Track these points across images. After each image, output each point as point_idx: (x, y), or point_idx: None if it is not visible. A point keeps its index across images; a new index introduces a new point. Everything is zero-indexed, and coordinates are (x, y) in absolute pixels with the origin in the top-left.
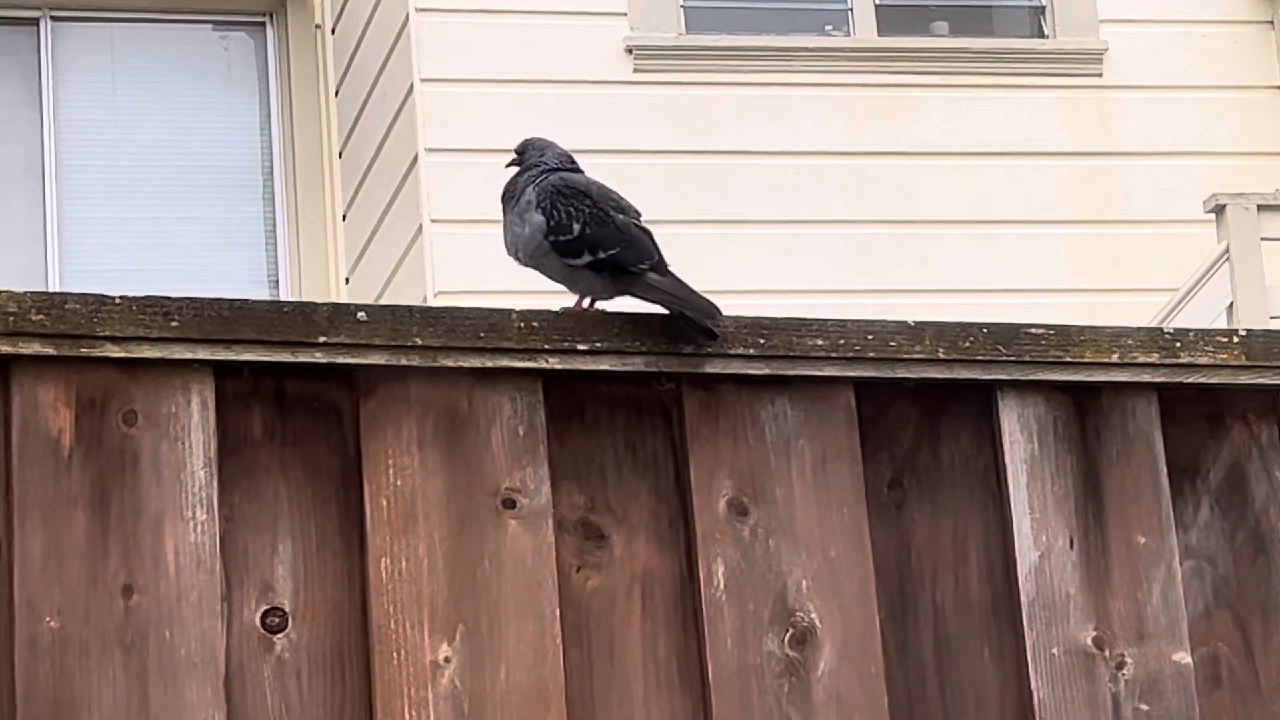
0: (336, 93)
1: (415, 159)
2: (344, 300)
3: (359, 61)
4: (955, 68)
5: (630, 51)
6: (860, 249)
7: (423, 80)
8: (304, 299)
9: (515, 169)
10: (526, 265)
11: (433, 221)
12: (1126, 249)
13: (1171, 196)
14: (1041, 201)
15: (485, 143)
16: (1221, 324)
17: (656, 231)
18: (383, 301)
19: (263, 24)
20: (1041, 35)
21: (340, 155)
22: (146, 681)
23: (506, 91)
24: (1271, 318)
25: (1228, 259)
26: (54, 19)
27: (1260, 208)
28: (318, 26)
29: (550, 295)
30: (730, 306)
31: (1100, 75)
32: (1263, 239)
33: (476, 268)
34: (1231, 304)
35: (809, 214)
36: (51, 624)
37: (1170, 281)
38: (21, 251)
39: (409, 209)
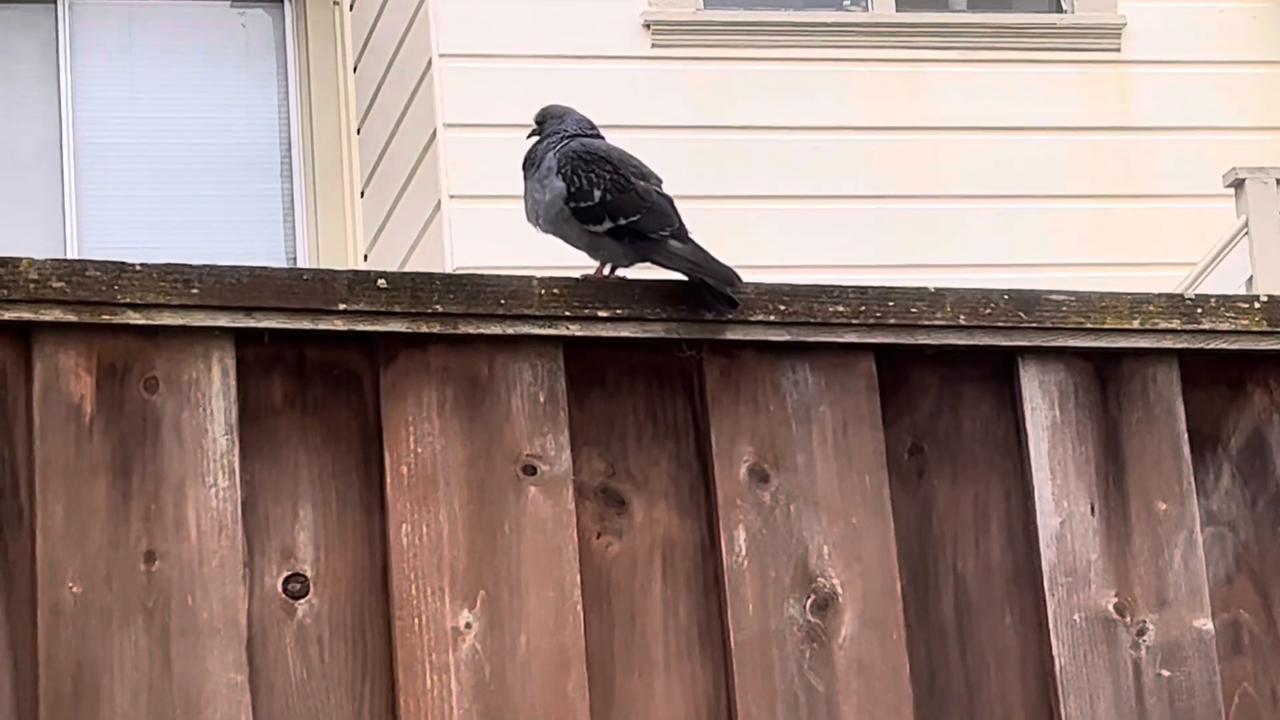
0: (355, 69)
1: (434, 134)
2: None
3: (377, 37)
4: (973, 43)
5: (648, 27)
6: (880, 224)
7: (441, 55)
8: None
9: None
10: (547, 232)
11: (451, 197)
12: (1145, 223)
13: (1190, 171)
14: (1060, 176)
15: (503, 118)
16: None
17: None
18: None
19: (280, 1)
20: (1060, 10)
21: (358, 132)
22: (169, 647)
23: (524, 67)
24: None
25: (1247, 233)
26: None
27: (1279, 182)
28: (335, 3)
29: (570, 269)
30: (749, 280)
31: (1119, 50)
32: None
33: (495, 243)
34: (1251, 278)
35: (828, 189)
36: (74, 589)
37: (1189, 256)
38: (41, 229)
39: (427, 185)
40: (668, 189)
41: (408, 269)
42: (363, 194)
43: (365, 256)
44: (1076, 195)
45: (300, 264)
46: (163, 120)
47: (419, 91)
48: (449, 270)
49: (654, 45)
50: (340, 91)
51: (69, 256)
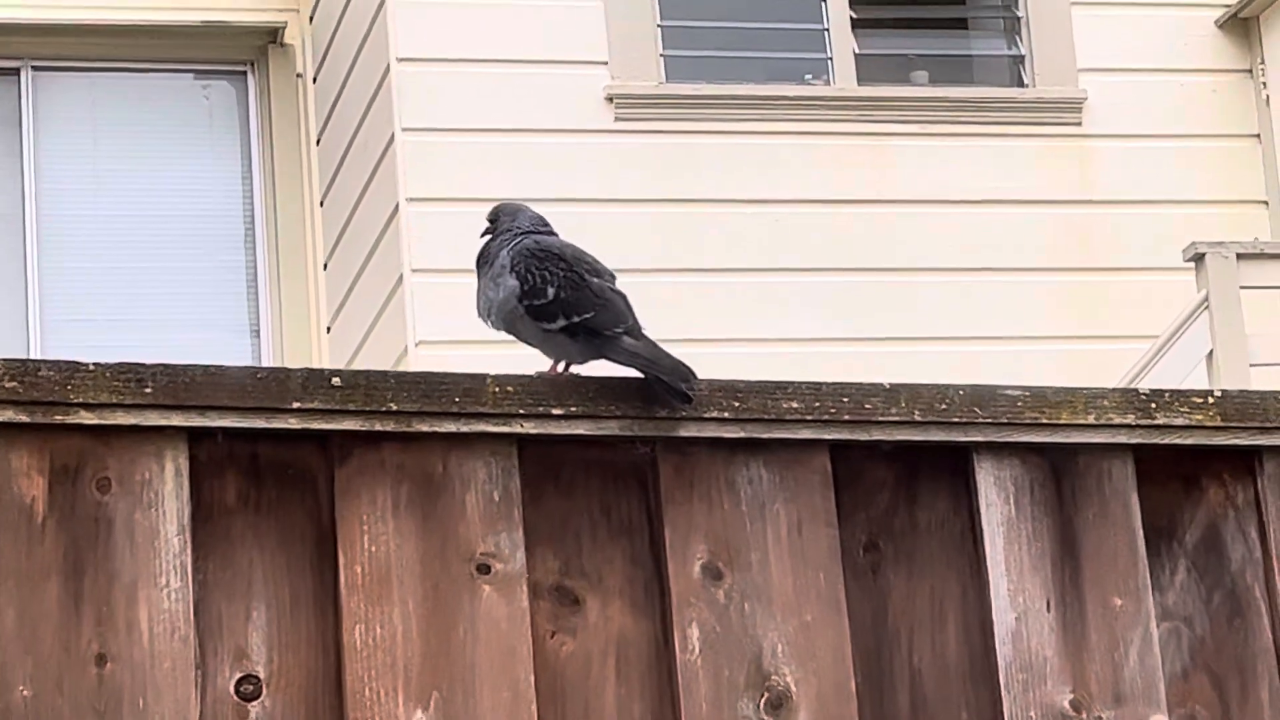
0: (318, 142)
1: (396, 208)
2: (326, 350)
3: (340, 111)
4: (935, 117)
5: (611, 100)
6: (841, 297)
7: (404, 129)
8: (285, 348)
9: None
10: (499, 329)
11: (413, 271)
12: (1106, 297)
13: (1151, 245)
14: (1021, 250)
15: (466, 192)
16: (1201, 372)
17: (636, 280)
18: (364, 351)
19: (244, 73)
20: (1021, 85)
21: (321, 204)
22: None
23: (488, 140)
24: (1251, 365)
25: (1207, 307)
26: (35, 69)
27: (1240, 256)
28: (299, 76)
29: (530, 352)
30: (712, 355)
31: (1079, 124)
32: (1242, 287)
33: (457, 317)
34: (1211, 352)
35: (790, 262)
36: (25, 693)
37: (1150, 330)
38: (2, 302)
39: (390, 258)
40: (630, 262)
41: (370, 341)
42: (326, 266)
43: (328, 329)
44: (1037, 269)
45: (263, 336)
46: (126, 191)
47: (381, 165)
48: (412, 343)
49: (617, 119)
50: (304, 164)
51: (31, 328)
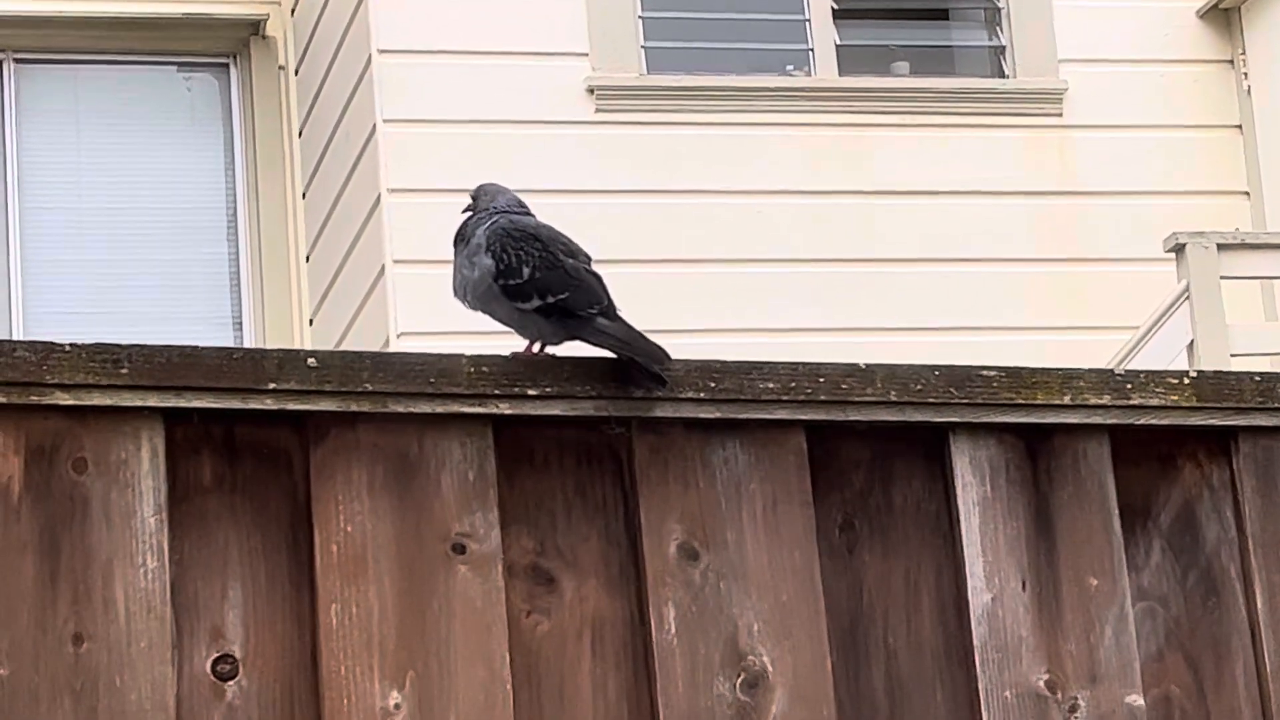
0: (300, 134)
1: (378, 200)
2: (308, 342)
3: (322, 103)
4: (916, 107)
5: (592, 92)
6: (821, 287)
7: (385, 121)
8: (267, 341)
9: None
10: (474, 309)
11: (395, 262)
12: (1087, 287)
13: (1132, 235)
14: (1002, 240)
15: (448, 183)
16: (1182, 362)
17: (618, 271)
18: (346, 343)
19: (226, 65)
20: (1002, 75)
21: (304, 196)
22: None
23: (469, 132)
24: (1232, 356)
25: (1188, 297)
26: (17, 60)
27: (1220, 246)
28: (281, 68)
29: (509, 337)
30: (692, 345)
31: (1060, 115)
32: (1222, 277)
33: (439, 309)
34: (1192, 342)
35: (771, 253)
36: (1, 671)
37: (1131, 320)
38: None
39: (372, 250)
40: (611, 252)
41: (353, 333)
42: (308, 258)
43: (311, 321)
44: (1018, 259)
45: (245, 328)
46: (108, 183)
47: (363, 157)
48: (394, 335)
49: (598, 110)
50: (286, 156)
51: (14, 318)
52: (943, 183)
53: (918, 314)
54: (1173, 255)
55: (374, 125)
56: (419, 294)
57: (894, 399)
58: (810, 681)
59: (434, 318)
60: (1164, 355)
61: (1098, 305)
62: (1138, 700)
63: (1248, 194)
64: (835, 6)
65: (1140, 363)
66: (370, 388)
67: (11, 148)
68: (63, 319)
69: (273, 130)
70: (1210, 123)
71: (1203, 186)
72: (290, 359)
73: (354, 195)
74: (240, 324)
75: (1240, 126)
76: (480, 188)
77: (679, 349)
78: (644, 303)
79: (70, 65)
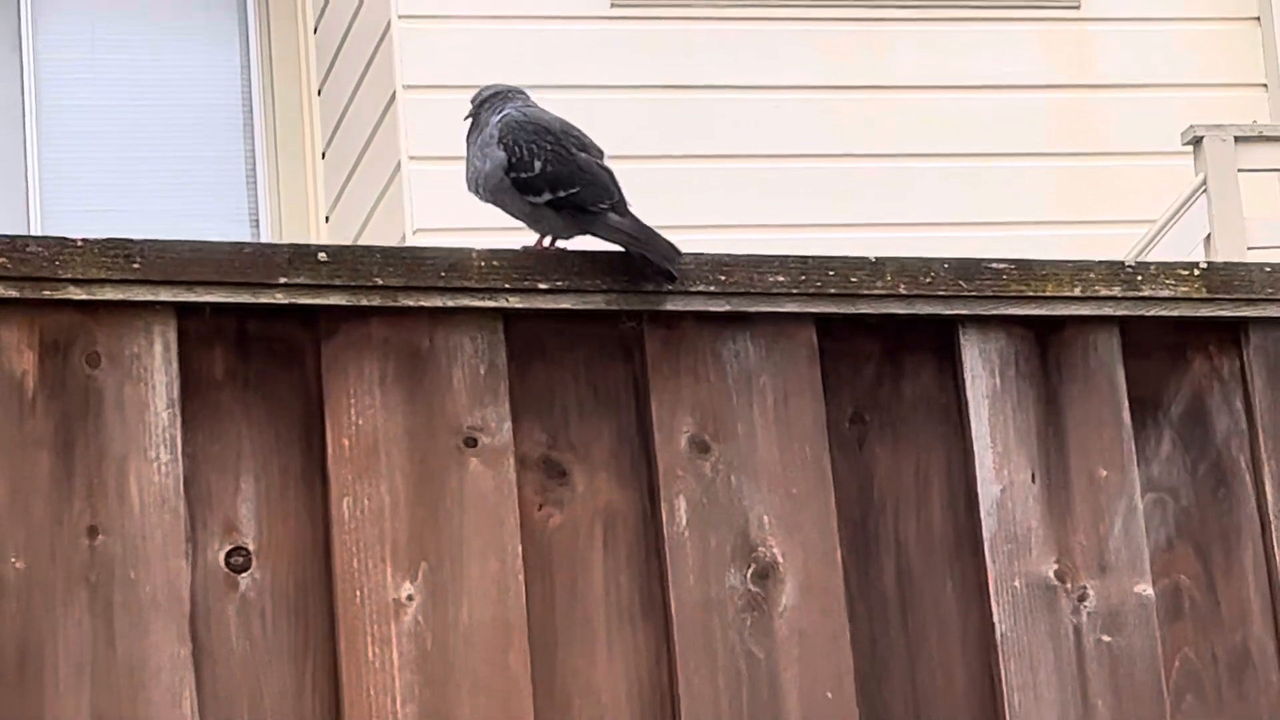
0: (315, 30)
1: (393, 96)
2: (324, 239)
3: None
4: (933, 2)
5: None
6: (839, 182)
7: (400, 16)
8: (284, 238)
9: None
10: (486, 201)
11: (411, 159)
12: (1104, 181)
13: (1149, 129)
14: (1019, 135)
15: (463, 80)
16: (1199, 255)
17: (631, 167)
18: (362, 239)
19: None
20: None
21: (319, 93)
22: (112, 621)
23: (484, 28)
24: (1249, 249)
25: (1205, 191)
26: None
27: (1238, 139)
28: None
29: (524, 233)
30: (705, 241)
31: (1078, 8)
32: (1240, 170)
33: (455, 204)
34: (1209, 236)
35: (789, 148)
36: (17, 564)
37: (1148, 214)
38: (2, 190)
39: (387, 146)
40: (628, 149)
41: (369, 229)
42: (324, 155)
43: (327, 218)
44: (1036, 153)
45: (262, 225)
46: (124, 81)
47: (378, 53)
48: (410, 231)
49: (614, 5)
50: (301, 53)
51: (31, 215)
52: (959, 77)
53: (934, 209)
54: (1190, 148)
55: (389, 20)
56: (435, 190)
57: (903, 292)
58: (820, 573)
59: (450, 214)
60: (1181, 248)
61: (1114, 199)
62: (1147, 590)
63: (1266, 86)
64: None
65: (1156, 256)
66: (380, 282)
67: (28, 46)
68: (80, 216)
69: (287, 27)
70: (1228, 15)
71: (1220, 79)
72: (301, 253)
73: (369, 92)
74: (257, 221)
75: (1259, 19)
76: (494, 86)
77: (691, 245)
78: (657, 198)
79: None
